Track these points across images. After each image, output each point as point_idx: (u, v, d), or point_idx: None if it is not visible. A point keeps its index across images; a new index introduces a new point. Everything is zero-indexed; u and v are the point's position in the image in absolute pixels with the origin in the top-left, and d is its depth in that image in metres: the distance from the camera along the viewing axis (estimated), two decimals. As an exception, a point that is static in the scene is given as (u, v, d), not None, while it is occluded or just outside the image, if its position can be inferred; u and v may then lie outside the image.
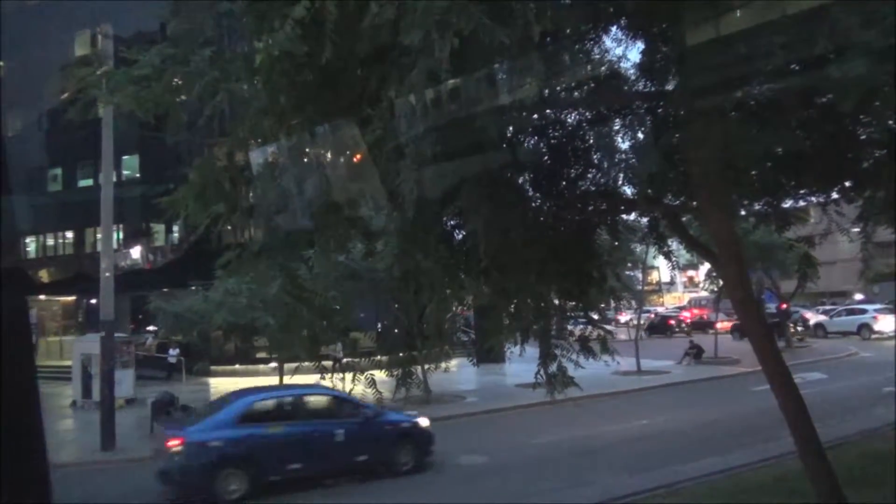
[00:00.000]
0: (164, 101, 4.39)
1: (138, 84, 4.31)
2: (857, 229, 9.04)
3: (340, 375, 16.66)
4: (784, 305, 30.03)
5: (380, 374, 15.20)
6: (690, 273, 57.21)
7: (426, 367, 18.76)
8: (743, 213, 7.86)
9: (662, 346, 31.42)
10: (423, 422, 12.68)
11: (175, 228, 32.43)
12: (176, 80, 4.37)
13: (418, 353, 18.10)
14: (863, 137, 5.53)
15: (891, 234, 8.17)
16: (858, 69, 3.14)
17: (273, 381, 18.13)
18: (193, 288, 18.65)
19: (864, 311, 36.18)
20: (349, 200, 5.08)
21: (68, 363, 21.46)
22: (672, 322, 42.84)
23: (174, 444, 10.51)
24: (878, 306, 36.31)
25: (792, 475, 8.42)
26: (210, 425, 10.97)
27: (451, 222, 5.93)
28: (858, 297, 44.09)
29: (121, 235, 32.06)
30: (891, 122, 5.15)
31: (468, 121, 3.91)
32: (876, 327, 34.42)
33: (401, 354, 18.11)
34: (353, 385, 13.66)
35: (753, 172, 5.97)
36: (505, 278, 5.79)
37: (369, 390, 14.18)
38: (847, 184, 6.78)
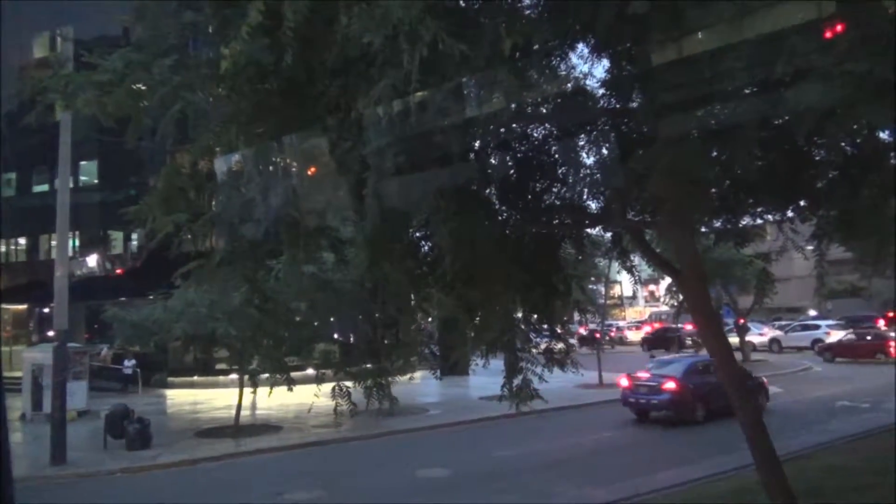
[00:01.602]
0: (127, 106, 4.30)
1: (100, 89, 4.21)
2: (811, 247, 9.30)
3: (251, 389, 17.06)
4: (741, 320, 30.76)
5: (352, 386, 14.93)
6: (651, 287, 58.26)
7: (389, 378, 18.63)
8: (703, 229, 8.03)
9: (624, 360, 31.78)
10: (764, 379, 19.20)
11: (134, 236, 31.67)
12: (139, 85, 4.28)
13: (389, 364, 17.96)
14: (817, 158, 5.71)
15: (843, 251, 8.43)
16: (813, 95, 3.25)
17: (234, 392, 17.78)
18: (152, 297, 18.19)
19: (817, 327, 37.24)
20: (316, 211, 5.03)
21: (18, 374, 20.67)
22: (598, 335, 44.44)
23: (671, 385, 16.96)
24: (830, 322, 37.44)
25: (749, 487, 8.57)
26: (683, 374, 17.32)
27: (418, 234, 5.92)
28: (812, 312, 45.43)
29: (77, 243, 31.16)
30: (843, 144, 5.34)
31: (435, 133, 3.92)
32: (829, 342, 35.47)
33: (367, 366, 18.06)
34: (338, 403, 13.31)
35: (714, 190, 6.11)
36: (471, 290, 5.80)
37: (342, 402, 13.84)
38: (802, 203, 7.00)
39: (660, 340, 37.40)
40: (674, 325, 38.52)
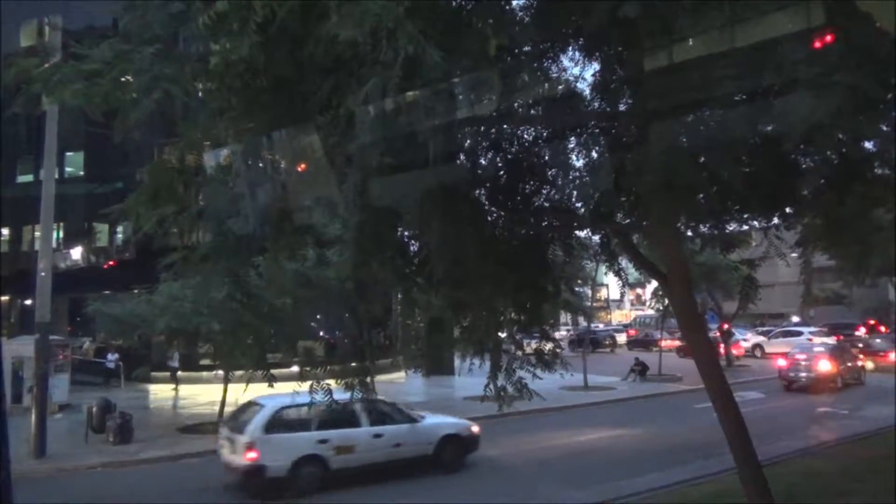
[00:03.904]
0: (115, 97, 4.25)
1: (88, 79, 4.16)
2: (795, 254, 9.41)
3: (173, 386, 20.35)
4: (725, 325, 30.99)
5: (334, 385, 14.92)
6: (638, 291, 58.51)
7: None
8: (690, 234, 8.09)
9: (608, 363, 31.98)
10: (862, 361, 26.19)
11: (119, 230, 31.37)
12: (127, 76, 4.24)
13: (372, 364, 18.10)
14: (803, 166, 5.77)
15: (826, 259, 8.53)
16: (801, 107, 3.27)
17: (218, 388, 17.69)
18: (136, 291, 18.03)
19: (799, 334, 37.61)
20: (304, 207, 5.02)
21: (-2, 366, 20.40)
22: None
23: (825, 362, 23.31)
24: (812, 329, 37.86)
25: (730, 491, 8.65)
26: (830, 355, 23.94)
27: (407, 233, 5.91)
28: (795, 319, 45.91)
29: (61, 234, 30.83)
30: (829, 152, 5.40)
31: (424, 133, 3.92)
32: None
33: (353, 364, 18.15)
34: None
35: (700, 196, 6.15)
36: (459, 291, 5.80)
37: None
38: (788, 210, 7.06)
39: (582, 341, 44.45)
40: (593, 328, 46.12)
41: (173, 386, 23.50)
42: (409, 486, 11.69)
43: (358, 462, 11.63)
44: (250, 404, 11.79)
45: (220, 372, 18.31)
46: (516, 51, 4.58)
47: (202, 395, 22.16)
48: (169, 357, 23.14)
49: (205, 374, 23.68)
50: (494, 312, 6.56)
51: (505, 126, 5.59)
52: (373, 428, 11.83)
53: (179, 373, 23.94)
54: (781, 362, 25.14)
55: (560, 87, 5.51)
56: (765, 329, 42.02)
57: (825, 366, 23.31)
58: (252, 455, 10.98)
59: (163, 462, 14.08)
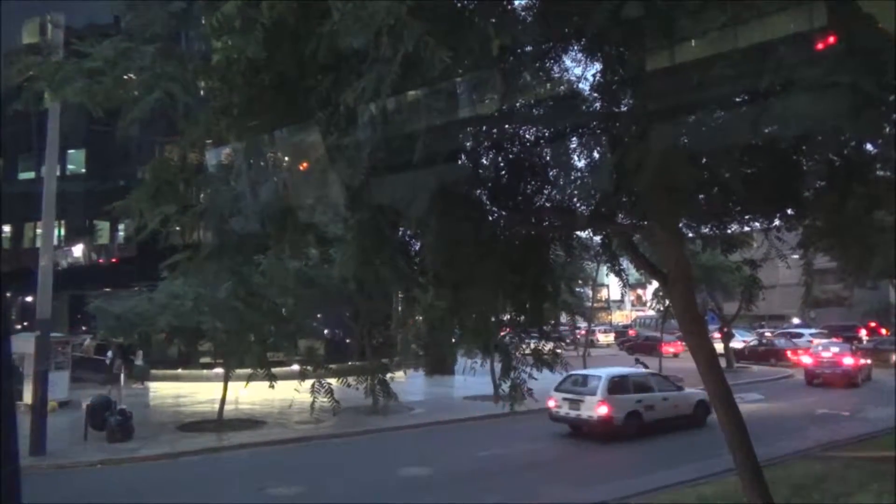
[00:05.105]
0: (116, 95, 4.26)
1: (90, 77, 4.17)
2: (796, 256, 9.40)
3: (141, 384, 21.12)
4: (726, 327, 30.94)
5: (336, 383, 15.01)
6: (639, 291, 58.49)
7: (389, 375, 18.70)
8: (691, 235, 8.09)
9: (610, 363, 31.93)
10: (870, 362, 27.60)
11: (120, 227, 31.39)
12: (129, 74, 4.25)
13: (389, 361, 18.37)
14: (804, 168, 5.77)
15: (827, 261, 8.52)
16: (800, 106, 3.27)
17: (217, 386, 17.71)
18: (137, 289, 18.05)
19: (800, 335, 37.56)
20: (306, 205, 5.01)
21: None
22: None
23: (848, 359, 25.20)
24: (813, 331, 37.80)
25: (729, 492, 8.66)
26: (851, 353, 25.85)
27: (408, 232, 5.91)
28: (795, 321, 45.86)
29: (62, 232, 30.86)
30: (830, 154, 5.40)
31: (424, 132, 3.91)
32: (811, 351, 35.87)
33: (362, 363, 18.36)
34: (315, 399, 13.40)
35: (701, 196, 6.15)
36: (457, 291, 5.80)
37: (324, 399, 13.88)
38: (789, 211, 7.06)
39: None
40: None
41: (126, 382, 23.45)
42: (685, 435, 15.90)
43: (655, 417, 16.12)
44: (570, 376, 15.98)
45: (220, 370, 18.34)
46: (518, 51, 4.58)
47: (201, 392, 22.19)
48: (133, 357, 23.14)
49: (205, 371, 23.69)
50: (494, 313, 6.56)
51: (506, 126, 5.59)
52: (661, 393, 16.69)
53: (151, 371, 24.12)
54: (807, 360, 27.28)
55: (562, 87, 5.51)
56: (764, 331, 41.96)
57: (849, 362, 25.62)
58: (604, 410, 15.24)
59: (162, 460, 14.09)
